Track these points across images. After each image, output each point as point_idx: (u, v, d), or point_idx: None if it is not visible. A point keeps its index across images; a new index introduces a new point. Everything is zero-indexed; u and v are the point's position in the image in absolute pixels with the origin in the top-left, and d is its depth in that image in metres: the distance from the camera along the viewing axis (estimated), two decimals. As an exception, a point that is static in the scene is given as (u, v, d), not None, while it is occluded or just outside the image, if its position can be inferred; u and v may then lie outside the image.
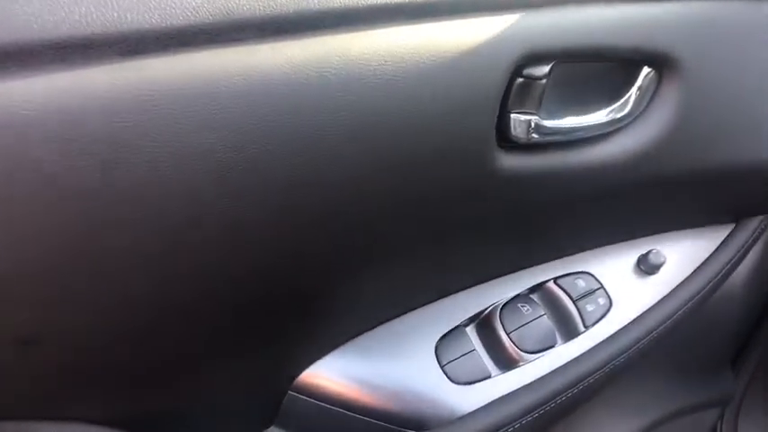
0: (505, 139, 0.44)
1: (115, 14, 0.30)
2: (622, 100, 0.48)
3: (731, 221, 0.66)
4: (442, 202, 0.46)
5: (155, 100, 0.32)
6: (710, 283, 0.63)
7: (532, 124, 0.44)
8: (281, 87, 0.34)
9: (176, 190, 0.34)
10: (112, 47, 0.31)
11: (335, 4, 0.35)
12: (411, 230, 0.47)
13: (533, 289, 0.59)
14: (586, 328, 0.58)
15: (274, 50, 0.34)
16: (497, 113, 0.42)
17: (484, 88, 0.41)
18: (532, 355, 0.56)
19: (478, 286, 0.57)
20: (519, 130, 0.44)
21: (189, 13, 0.32)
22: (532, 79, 0.43)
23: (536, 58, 0.42)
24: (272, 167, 0.36)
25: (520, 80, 0.42)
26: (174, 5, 0.31)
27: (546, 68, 0.43)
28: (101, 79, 0.31)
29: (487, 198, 0.47)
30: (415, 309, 0.56)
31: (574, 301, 0.58)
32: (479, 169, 0.44)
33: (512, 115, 0.43)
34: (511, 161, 0.45)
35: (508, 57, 0.41)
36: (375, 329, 0.54)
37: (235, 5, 0.33)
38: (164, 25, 0.31)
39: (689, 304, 0.61)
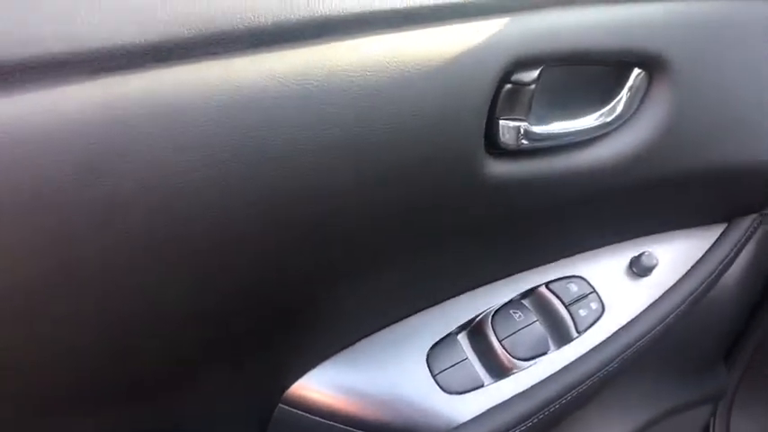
0: (494, 146, 0.43)
1: (86, 31, 0.29)
2: (612, 103, 0.47)
3: (723, 221, 0.65)
4: (431, 212, 0.45)
5: (130, 118, 0.30)
6: (704, 284, 0.62)
7: (522, 130, 0.43)
8: (262, 101, 0.33)
9: (157, 208, 0.33)
10: (84, 65, 0.29)
11: (316, 15, 0.34)
12: (400, 240, 0.46)
13: (525, 294, 0.58)
14: (579, 333, 0.57)
15: (253, 63, 0.33)
16: (486, 120, 0.42)
17: (471, 96, 0.40)
18: (525, 363, 0.55)
19: (469, 293, 0.57)
20: (508, 136, 0.43)
21: (163, 28, 0.31)
22: (521, 85, 0.42)
23: (524, 63, 0.41)
24: (255, 183, 0.35)
25: (508, 86, 0.41)
26: (147, 20, 0.30)
27: (534, 73, 0.42)
28: (73, 99, 0.29)
29: (477, 205, 0.46)
30: (405, 318, 0.55)
31: (566, 306, 0.57)
32: (468, 177, 0.43)
33: (501, 122, 0.43)
34: (500, 168, 0.44)
35: (496, 63, 0.40)
36: (366, 339, 0.54)
37: (211, 18, 0.32)
38: (137, 41, 0.30)
39: (682, 306, 0.60)
